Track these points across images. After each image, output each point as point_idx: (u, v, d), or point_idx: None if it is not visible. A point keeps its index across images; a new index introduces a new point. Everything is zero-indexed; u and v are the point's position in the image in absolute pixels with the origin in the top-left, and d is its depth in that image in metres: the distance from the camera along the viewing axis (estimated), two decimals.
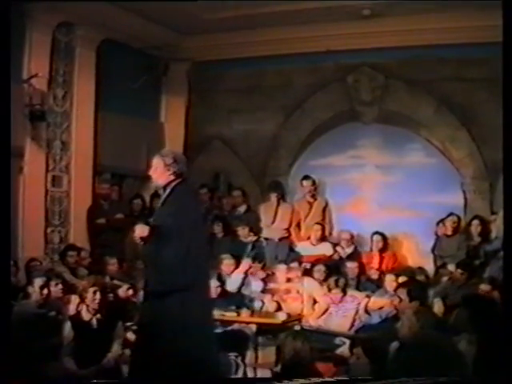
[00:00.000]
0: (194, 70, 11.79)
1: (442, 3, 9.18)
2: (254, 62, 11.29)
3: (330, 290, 8.63)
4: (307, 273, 9.16)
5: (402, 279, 8.42)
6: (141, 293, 6.72)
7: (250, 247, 9.99)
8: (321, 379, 4.16)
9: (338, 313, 8.46)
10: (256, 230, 10.25)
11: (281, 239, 10.30)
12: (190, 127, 11.80)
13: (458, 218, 9.74)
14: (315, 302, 8.71)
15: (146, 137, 11.11)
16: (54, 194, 9.67)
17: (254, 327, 7.74)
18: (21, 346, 5.73)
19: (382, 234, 9.88)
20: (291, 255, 10.02)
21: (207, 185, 10.85)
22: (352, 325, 8.32)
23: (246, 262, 9.19)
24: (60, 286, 7.48)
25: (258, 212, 10.56)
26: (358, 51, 10.56)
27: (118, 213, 10.10)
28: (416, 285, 8.27)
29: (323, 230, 10.16)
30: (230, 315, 7.79)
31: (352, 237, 10.10)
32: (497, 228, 8.81)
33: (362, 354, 6.65)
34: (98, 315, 6.40)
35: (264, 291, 8.97)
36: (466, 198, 10.32)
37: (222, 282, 8.45)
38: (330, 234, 10.45)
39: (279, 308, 8.54)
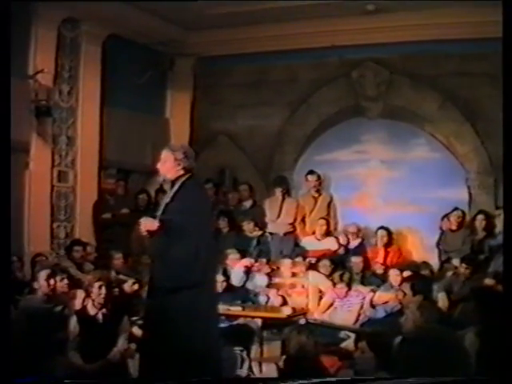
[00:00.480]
0: (199, 65, 11.78)
1: None
2: (259, 58, 11.27)
3: (335, 284, 8.67)
4: (312, 267, 9.18)
5: (406, 274, 8.44)
6: (146, 288, 6.71)
7: (255, 242, 10.03)
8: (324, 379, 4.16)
9: (342, 307, 8.47)
10: (261, 224, 10.28)
11: (286, 234, 10.30)
12: (196, 122, 11.80)
13: (463, 212, 9.74)
14: (321, 296, 8.74)
15: (151, 132, 11.14)
16: (59, 189, 9.69)
17: (259, 321, 7.73)
18: (27, 340, 5.78)
19: (386, 229, 9.88)
20: (296, 250, 10.04)
21: (212, 180, 10.84)
22: (357, 319, 8.33)
23: (246, 259, 9.20)
24: (66, 280, 7.44)
25: (263, 207, 10.56)
26: (363, 46, 10.56)
27: (124, 208, 10.13)
28: (420, 279, 8.31)
29: (328, 224, 10.17)
30: (236, 309, 7.80)
31: (359, 230, 10.15)
32: (501, 223, 8.81)
33: (366, 348, 6.64)
34: (104, 310, 6.43)
35: (269, 286, 8.98)
36: (470, 193, 10.34)
37: (228, 277, 8.48)
38: (335, 228, 10.47)
39: (284, 302, 8.55)
